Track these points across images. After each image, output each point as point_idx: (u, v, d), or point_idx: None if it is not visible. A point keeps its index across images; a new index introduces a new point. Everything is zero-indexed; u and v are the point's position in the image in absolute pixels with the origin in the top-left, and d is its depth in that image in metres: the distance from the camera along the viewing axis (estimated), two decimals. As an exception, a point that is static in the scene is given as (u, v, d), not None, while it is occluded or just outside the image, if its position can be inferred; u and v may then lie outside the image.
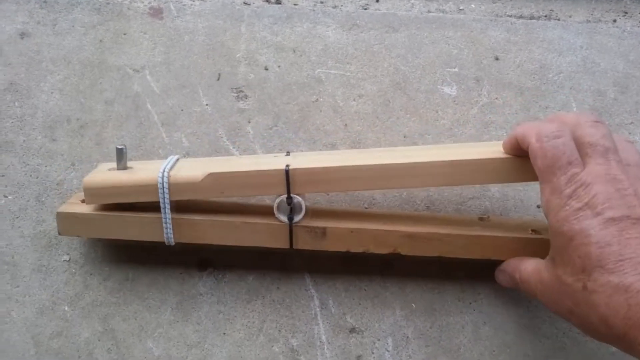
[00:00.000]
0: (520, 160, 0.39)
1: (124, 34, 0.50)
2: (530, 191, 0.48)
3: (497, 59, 0.50)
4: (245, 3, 0.51)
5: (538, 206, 0.48)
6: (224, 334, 0.45)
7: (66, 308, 0.45)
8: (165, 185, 0.41)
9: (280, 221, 0.43)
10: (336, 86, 0.50)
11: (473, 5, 0.52)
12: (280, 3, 0.51)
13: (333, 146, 0.49)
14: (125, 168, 0.43)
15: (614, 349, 0.39)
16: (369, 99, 0.49)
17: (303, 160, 0.42)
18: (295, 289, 0.46)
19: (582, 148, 0.34)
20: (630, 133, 0.49)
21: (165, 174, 0.41)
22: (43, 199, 0.48)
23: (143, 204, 0.42)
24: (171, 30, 0.50)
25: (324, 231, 0.43)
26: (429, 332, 0.44)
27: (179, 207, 0.42)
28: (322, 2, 0.52)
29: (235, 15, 0.50)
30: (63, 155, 0.48)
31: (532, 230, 0.43)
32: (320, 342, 0.44)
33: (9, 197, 0.48)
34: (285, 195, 0.42)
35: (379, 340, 0.44)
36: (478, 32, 0.50)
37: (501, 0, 0.52)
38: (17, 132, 0.49)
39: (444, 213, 0.48)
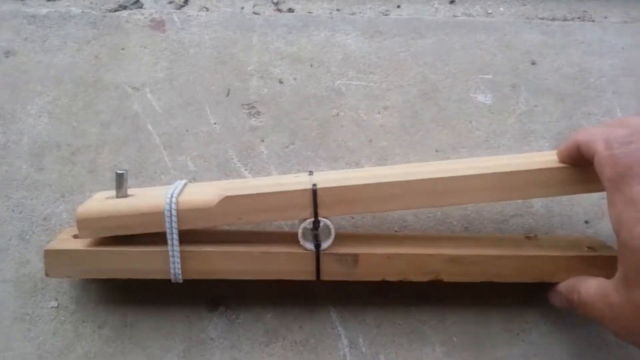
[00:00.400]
0: (580, 170, 0.36)
1: (122, 49, 0.46)
2: (576, 206, 0.44)
3: (533, 63, 0.46)
4: (255, 13, 0.47)
5: (586, 222, 0.44)
6: (241, 384, 0.41)
7: (56, 362, 0.40)
8: (174, 212, 0.36)
9: (306, 249, 0.37)
10: (359, 98, 0.46)
11: (502, 9, 0.48)
12: (293, 11, 0.47)
13: (357, 164, 0.45)
14: (125, 196, 0.38)
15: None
16: (395, 111, 0.45)
17: (330, 178, 0.38)
18: (320, 327, 0.42)
19: None
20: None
21: (174, 199, 0.36)
22: (27, 237, 0.43)
23: (144, 237, 0.37)
24: (175, 44, 0.46)
25: (355, 258, 0.38)
26: (475, 370, 0.41)
27: (184, 239, 0.37)
28: (338, 10, 0.48)
29: (246, 26, 0.46)
30: (51, 185, 0.43)
31: (588, 248, 0.40)
32: (352, 388, 0.40)
33: (-11, 236, 0.42)
34: (311, 219, 0.37)
35: (419, 383, 0.41)
36: (512, 35, 0.46)
37: (531, 2, 0.49)
38: None
39: (484, 233, 0.44)
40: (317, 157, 0.45)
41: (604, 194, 0.32)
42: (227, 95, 0.46)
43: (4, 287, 0.42)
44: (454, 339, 0.42)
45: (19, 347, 0.41)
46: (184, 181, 0.39)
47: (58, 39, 0.46)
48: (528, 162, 0.37)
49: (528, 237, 0.42)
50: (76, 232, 0.39)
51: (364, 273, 0.38)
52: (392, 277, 0.38)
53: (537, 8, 0.48)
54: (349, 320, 0.42)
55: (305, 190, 0.36)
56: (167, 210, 0.36)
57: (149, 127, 0.45)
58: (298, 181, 0.38)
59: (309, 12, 0.47)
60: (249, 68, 0.46)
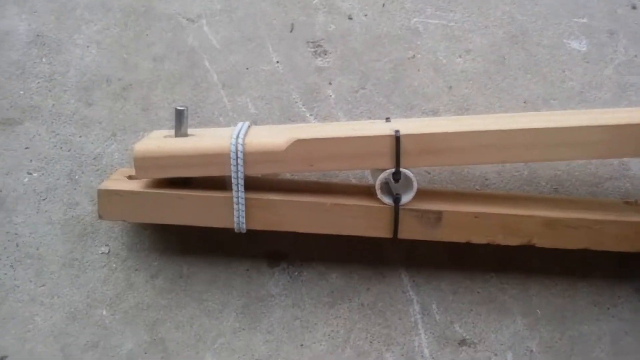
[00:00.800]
0: None
1: (176, -24, 0.42)
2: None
3: (634, 7, 0.42)
4: (323, -61, 0.42)
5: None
6: (302, 345, 0.39)
7: (104, 312, 0.39)
8: (240, 154, 0.33)
9: (384, 203, 0.34)
10: (437, 39, 0.42)
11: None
12: (366, -62, 0.42)
13: (435, 113, 0.41)
14: (185, 135, 0.36)
15: None
16: (478, 56, 0.42)
17: (412, 126, 0.34)
18: (390, 291, 0.40)
19: None
20: None
21: (240, 140, 0.33)
22: (76, 177, 0.40)
23: (202, 183, 0.35)
24: (234, -29, 0.42)
25: (439, 216, 0.35)
26: (558, 345, 0.39)
27: (247, 186, 0.34)
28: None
29: (313, -48, 0.42)
30: (101, 123, 0.41)
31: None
32: (422, 357, 0.39)
33: (34, 175, 0.40)
34: (391, 170, 0.33)
35: (495, 355, 0.39)
36: (613, -27, 0.42)
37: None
38: (44, 94, 0.41)
39: (576, 196, 0.40)
40: (390, 104, 0.41)
41: None
42: (291, 31, 0.42)
43: (52, 230, 0.40)
44: (538, 311, 0.39)
45: (67, 294, 0.39)
46: (247, 123, 0.36)
47: (106, -38, 0.42)
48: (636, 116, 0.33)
49: (627, 203, 0.38)
50: (130, 173, 0.37)
51: (447, 233, 0.35)
52: (479, 239, 0.35)
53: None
54: (421, 285, 0.39)
55: (387, 136, 0.33)
56: (233, 152, 0.33)
57: (206, 63, 0.41)
58: (376, 127, 0.35)
59: (385, -60, 0.43)
60: (315, 1, 0.42)
